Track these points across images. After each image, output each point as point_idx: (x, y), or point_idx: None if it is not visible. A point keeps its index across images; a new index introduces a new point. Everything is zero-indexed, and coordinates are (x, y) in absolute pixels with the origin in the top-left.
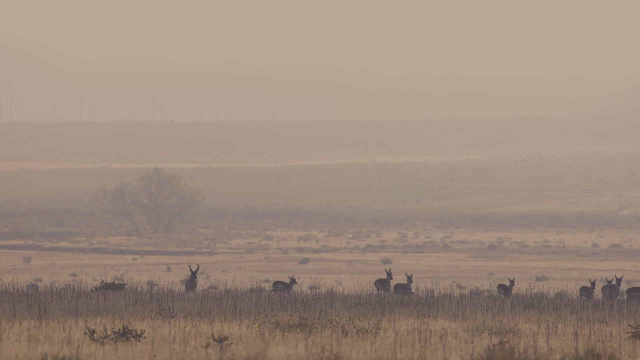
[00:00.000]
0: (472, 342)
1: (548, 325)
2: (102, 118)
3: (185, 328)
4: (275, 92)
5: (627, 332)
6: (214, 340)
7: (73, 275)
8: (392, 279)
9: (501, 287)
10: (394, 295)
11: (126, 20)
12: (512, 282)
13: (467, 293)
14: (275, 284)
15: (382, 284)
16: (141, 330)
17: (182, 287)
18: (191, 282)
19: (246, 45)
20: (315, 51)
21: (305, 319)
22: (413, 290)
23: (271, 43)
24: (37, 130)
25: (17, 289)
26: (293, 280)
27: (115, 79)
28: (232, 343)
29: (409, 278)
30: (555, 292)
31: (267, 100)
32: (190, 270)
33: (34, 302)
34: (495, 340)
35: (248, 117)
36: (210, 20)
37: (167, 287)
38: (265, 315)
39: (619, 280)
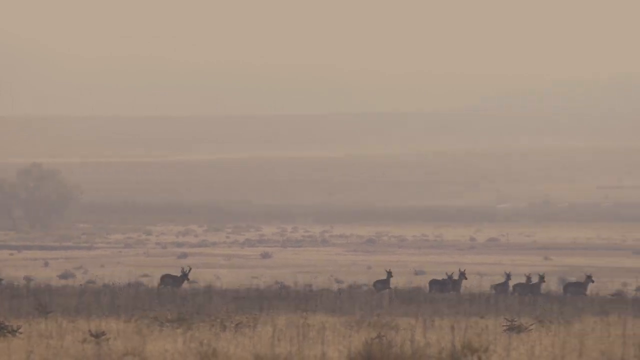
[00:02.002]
0: (350, 336)
1: (425, 319)
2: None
3: (62, 323)
4: (276, 92)
5: (503, 326)
6: (91, 335)
7: None
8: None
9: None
10: (273, 291)
11: (126, 20)
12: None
13: (345, 287)
14: (164, 277)
15: (382, 284)
16: (17, 326)
17: (58, 282)
18: (177, 280)
19: (246, 45)
20: (315, 51)
21: (184, 313)
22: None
23: (271, 43)
24: None
25: None
26: (185, 275)
27: (115, 79)
28: (109, 338)
29: (389, 273)
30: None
31: (267, 100)
32: (182, 271)
33: None
34: (373, 335)
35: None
36: (210, 20)
37: (44, 283)
38: (143, 310)
39: (509, 276)
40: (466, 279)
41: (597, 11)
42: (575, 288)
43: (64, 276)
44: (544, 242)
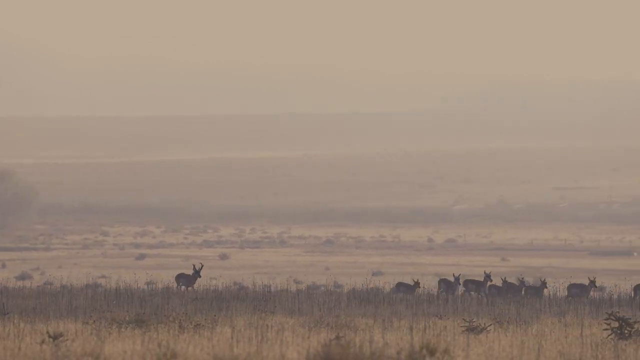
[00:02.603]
0: (309, 337)
1: (384, 320)
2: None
3: (20, 325)
4: (276, 91)
5: (461, 326)
6: (49, 336)
7: None
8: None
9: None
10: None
11: (126, 20)
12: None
13: (304, 288)
14: (178, 277)
15: (447, 285)
16: None
17: (15, 283)
18: (190, 279)
19: (246, 45)
20: (315, 51)
21: (142, 314)
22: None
23: (271, 43)
24: None
25: None
26: (197, 272)
27: (115, 79)
28: (67, 340)
29: (457, 279)
30: (391, 287)
31: (267, 99)
32: (194, 268)
33: None
34: (332, 335)
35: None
36: (210, 20)
37: (1, 284)
38: (102, 312)
39: (457, 279)
40: (492, 280)
41: (559, 14)
42: (579, 290)
43: (21, 277)
44: (500, 243)
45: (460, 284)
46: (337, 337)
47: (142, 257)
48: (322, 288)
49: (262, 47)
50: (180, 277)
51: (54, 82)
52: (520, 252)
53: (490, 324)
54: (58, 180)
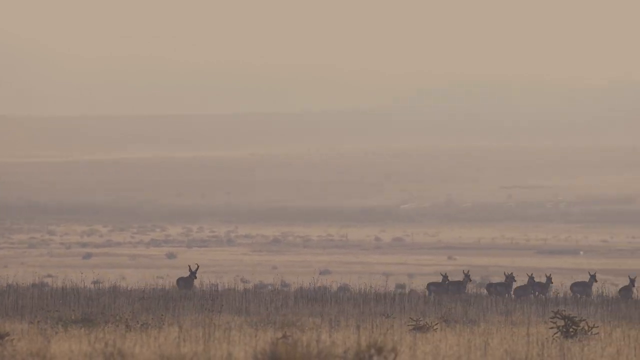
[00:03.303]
0: (256, 336)
1: (331, 319)
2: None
3: None
4: (274, 91)
5: (409, 325)
6: None
7: None
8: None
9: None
10: (179, 291)
11: (126, 20)
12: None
13: (251, 287)
14: (178, 281)
15: (457, 286)
16: None
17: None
18: (188, 281)
19: (246, 45)
20: (315, 51)
21: (89, 314)
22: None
23: (271, 43)
24: None
25: None
26: (193, 273)
27: (115, 79)
28: (13, 339)
29: (467, 276)
30: (339, 285)
31: (265, 99)
32: (190, 270)
33: None
34: (279, 334)
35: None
36: (210, 20)
37: None
38: (48, 311)
39: (446, 277)
40: (471, 280)
41: (518, 13)
42: (582, 288)
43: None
44: (448, 242)
45: (470, 281)
46: (284, 336)
47: (88, 256)
48: (270, 287)
49: (262, 47)
50: (179, 281)
51: (54, 82)
52: (468, 250)
53: (437, 323)
54: (3, 179)
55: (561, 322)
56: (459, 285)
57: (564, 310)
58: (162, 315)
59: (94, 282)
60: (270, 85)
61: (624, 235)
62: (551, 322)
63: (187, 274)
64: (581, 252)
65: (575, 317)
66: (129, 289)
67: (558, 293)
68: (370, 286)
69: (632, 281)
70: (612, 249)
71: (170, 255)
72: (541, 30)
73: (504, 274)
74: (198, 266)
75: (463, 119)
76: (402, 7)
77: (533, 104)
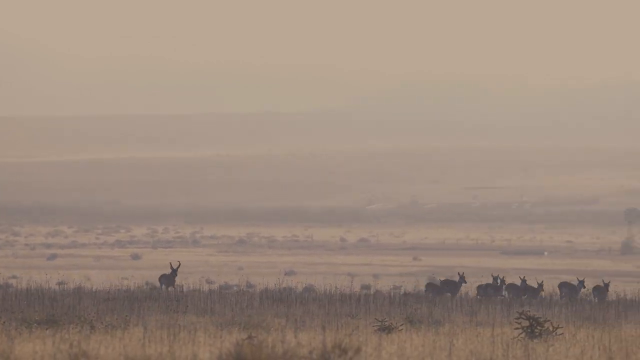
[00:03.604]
0: (221, 337)
1: (296, 320)
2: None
3: None
4: (236, 91)
5: (374, 326)
6: None
7: None
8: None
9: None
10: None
11: (126, 20)
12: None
13: (216, 288)
14: (160, 278)
15: (485, 290)
16: None
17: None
18: (170, 278)
19: (246, 45)
20: (316, 51)
21: (53, 315)
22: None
23: (271, 43)
24: None
25: None
26: (174, 271)
27: (115, 79)
28: None
29: (461, 278)
30: (304, 286)
31: (229, 100)
32: (172, 267)
33: None
34: (244, 335)
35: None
36: (210, 20)
37: None
38: (12, 312)
39: (462, 277)
40: (466, 282)
41: (463, 13)
42: (569, 290)
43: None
44: (413, 243)
45: (465, 282)
46: (250, 337)
47: (53, 257)
48: (235, 288)
49: (262, 47)
50: (161, 278)
51: (54, 82)
52: (432, 251)
53: (402, 324)
54: None
55: (526, 323)
56: (456, 286)
57: (529, 311)
58: (127, 316)
59: (59, 283)
60: (233, 86)
61: (589, 235)
62: (516, 322)
63: (168, 271)
64: (545, 253)
65: (540, 317)
66: (93, 290)
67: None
68: (336, 287)
69: (607, 285)
70: (576, 249)
71: (135, 256)
72: (511, 33)
73: (458, 273)
74: (179, 263)
75: (427, 120)
76: (404, 8)
77: (498, 105)
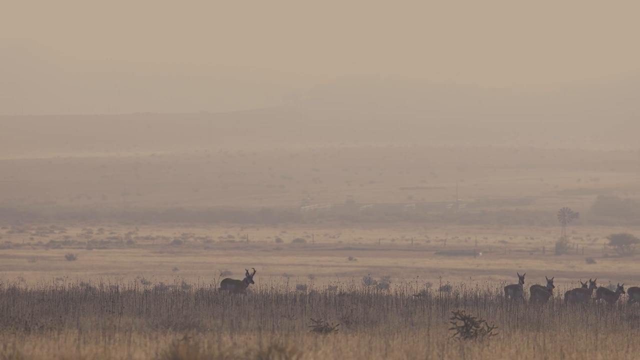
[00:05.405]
0: (156, 338)
1: (232, 320)
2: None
3: None
4: (172, 92)
5: (309, 326)
6: None
7: None
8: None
9: (510, 287)
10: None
11: (126, 21)
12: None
13: (151, 289)
14: (224, 282)
15: (514, 290)
16: None
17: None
18: (242, 285)
19: (246, 46)
20: (251, 53)
21: None
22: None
23: (271, 44)
24: None
25: None
26: (249, 278)
27: (115, 81)
28: None
29: (550, 282)
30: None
31: (160, 100)
32: (247, 273)
33: None
34: (180, 336)
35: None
36: (210, 21)
37: None
38: None
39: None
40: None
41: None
42: (583, 294)
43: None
44: (348, 243)
45: (524, 283)
46: (185, 338)
47: None
48: (170, 288)
49: (262, 47)
50: (227, 283)
51: (54, 82)
52: (368, 251)
53: (338, 324)
54: None
55: (461, 323)
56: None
57: (464, 311)
58: (61, 317)
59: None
60: (168, 87)
61: (523, 236)
62: (451, 322)
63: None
64: (480, 253)
65: (475, 317)
66: (28, 290)
67: (458, 294)
68: (272, 287)
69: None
70: (510, 249)
71: (70, 257)
72: (439, 36)
73: (546, 279)
74: (254, 271)
75: (363, 120)
76: (404, 8)
77: (434, 106)
